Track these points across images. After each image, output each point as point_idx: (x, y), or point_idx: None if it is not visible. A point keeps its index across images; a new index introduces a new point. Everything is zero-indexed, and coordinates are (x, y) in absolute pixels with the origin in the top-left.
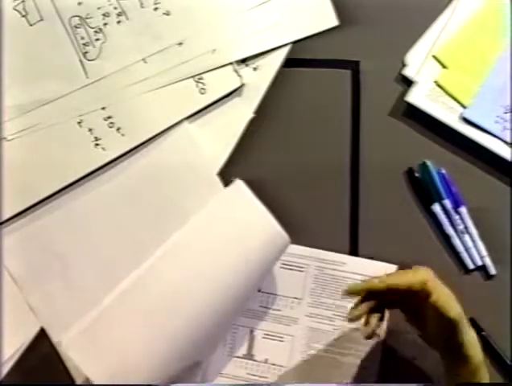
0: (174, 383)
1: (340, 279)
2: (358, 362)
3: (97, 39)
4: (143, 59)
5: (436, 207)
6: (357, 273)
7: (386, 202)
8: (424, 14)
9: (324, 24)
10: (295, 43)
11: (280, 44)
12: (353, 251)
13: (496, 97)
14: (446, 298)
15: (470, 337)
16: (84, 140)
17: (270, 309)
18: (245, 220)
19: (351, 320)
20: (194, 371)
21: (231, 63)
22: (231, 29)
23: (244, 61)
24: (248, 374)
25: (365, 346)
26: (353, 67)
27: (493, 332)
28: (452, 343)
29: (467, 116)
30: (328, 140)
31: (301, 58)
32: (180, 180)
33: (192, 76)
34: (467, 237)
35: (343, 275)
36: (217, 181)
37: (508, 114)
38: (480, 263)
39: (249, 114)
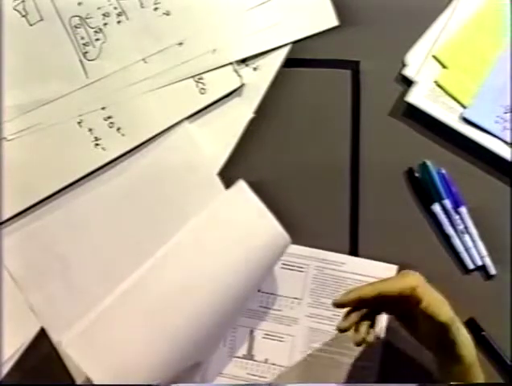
0: (174, 383)
1: (340, 279)
2: (358, 362)
3: (97, 39)
4: (143, 59)
5: (436, 207)
6: (356, 273)
7: (386, 202)
8: (424, 14)
9: (324, 24)
10: (295, 43)
11: (280, 44)
12: (353, 251)
13: (496, 97)
14: (437, 303)
15: (463, 337)
16: (84, 140)
17: (270, 309)
18: (246, 220)
19: (340, 331)
20: (194, 371)
21: (231, 63)
22: (231, 29)
23: (244, 61)
24: (248, 374)
25: (364, 347)
26: (353, 67)
27: (493, 332)
28: (444, 344)
29: (467, 116)
30: (328, 140)
31: (301, 58)
32: (180, 180)
33: (192, 76)
34: (467, 237)
35: (343, 275)
36: (217, 181)
37: (508, 114)
38: (480, 263)
39: (249, 114)
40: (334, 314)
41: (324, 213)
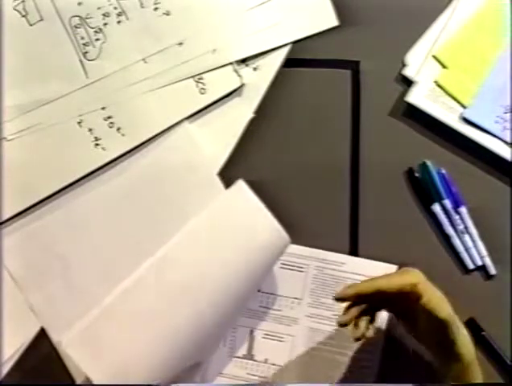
0: (174, 383)
1: (340, 279)
2: (358, 362)
3: (97, 39)
4: (143, 59)
5: (436, 207)
6: (356, 273)
7: (386, 202)
8: (424, 14)
9: (324, 24)
10: (295, 43)
11: (280, 44)
12: (353, 251)
13: (496, 97)
14: (437, 300)
15: (462, 336)
16: (84, 140)
17: (270, 309)
18: (245, 220)
19: (341, 325)
20: (194, 371)
21: (231, 63)
22: (231, 29)
23: (244, 61)
24: (248, 374)
25: (365, 347)
26: (353, 67)
27: (493, 332)
28: (443, 342)
29: (467, 116)
30: (328, 140)
31: (301, 58)
32: (180, 180)
33: (192, 76)
34: (467, 237)
35: (343, 275)
36: (217, 181)
37: (508, 114)
38: (480, 263)
39: (249, 114)
40: (334, 314)
41: (324, 213)
